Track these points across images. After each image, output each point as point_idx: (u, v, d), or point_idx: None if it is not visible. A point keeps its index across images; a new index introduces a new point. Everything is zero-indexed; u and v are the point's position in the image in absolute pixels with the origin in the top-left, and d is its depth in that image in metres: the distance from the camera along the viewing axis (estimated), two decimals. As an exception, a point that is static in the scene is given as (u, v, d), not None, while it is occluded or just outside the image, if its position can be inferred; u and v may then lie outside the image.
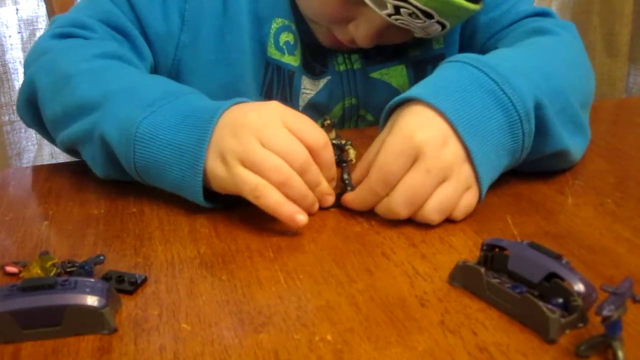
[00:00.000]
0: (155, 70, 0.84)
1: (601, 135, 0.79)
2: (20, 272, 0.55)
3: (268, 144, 0.59)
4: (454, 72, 0.63)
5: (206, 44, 0.84)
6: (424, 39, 0.85)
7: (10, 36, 1.58)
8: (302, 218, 0.58)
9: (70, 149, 0.73)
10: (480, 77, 0.62)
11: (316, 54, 0.86)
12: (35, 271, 0.54)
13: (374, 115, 0.89)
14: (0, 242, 0.62)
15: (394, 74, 0.87)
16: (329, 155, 0.62)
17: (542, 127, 0.63)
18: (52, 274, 0.54)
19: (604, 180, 0.68)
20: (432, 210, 0.59)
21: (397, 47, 0.86)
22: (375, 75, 0.87)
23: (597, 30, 1.93)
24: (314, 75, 0.86)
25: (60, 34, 0.78)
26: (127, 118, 0.64)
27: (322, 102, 0.87)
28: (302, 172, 0.60)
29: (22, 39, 1.59)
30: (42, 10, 1.56)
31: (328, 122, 0.65)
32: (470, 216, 0.61)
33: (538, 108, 0.62)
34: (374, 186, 0.60)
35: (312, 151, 0.60)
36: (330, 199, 0.64)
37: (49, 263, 0.54)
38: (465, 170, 0.60)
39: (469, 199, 0.61)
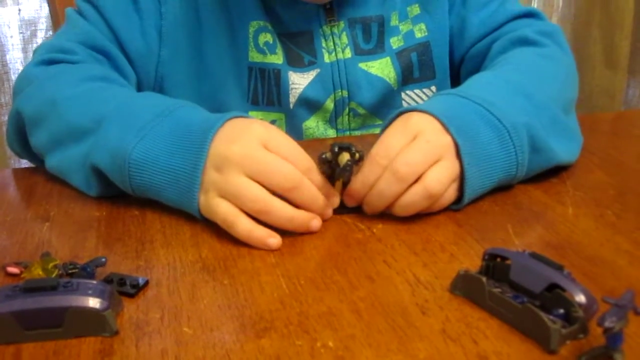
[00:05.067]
0: (138, 88, 0.84)
1: (601, 147, 0.80)
2: (21, 272, 0.55)
3: (252, 175, 0.59)
4: (442, 97, 0.69)
5: (185, 58, 0.85)
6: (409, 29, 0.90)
7: (11, 36, 1.58)
8: (274, 241, 0.58)
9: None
10: (468, 104, 0.67)
11: (300, 43, 0.87)
12: (37, 272, 0.54)
13: (365, 107, 0.90)
14: (1, 242, 0.62)
15: (380, 66, 0.89)
16: (315, 178, 0.62)
17: (535, 146, 0.67)
18: (54, 275, 0.54)
19: (604, 192, 0.69)
20: (432, 180, 0.61)
21: (382, 39, 0.89)
22: (362, 66, 0.88)
23: (597, 42, 1.94)
24: (303, 67, 0.87)
25: (43, 60, 0.78)
26: (119, 145, 0.63)
27: (313, 97, 0.87)
28: (290, 191, 0.59)
29: (23, 39, 1.59)
30: (44, 11, 1.56)
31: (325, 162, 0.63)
32: (472, 225, 0.62)
33: (528, 128, 0.66)
34: (374, 156, 0.62)
35: None
36: (329, 212, 0.63)
37: (51, 264, 0.54)
38: (456, 163, 0.62)
39: (450, 193, 0.63)
